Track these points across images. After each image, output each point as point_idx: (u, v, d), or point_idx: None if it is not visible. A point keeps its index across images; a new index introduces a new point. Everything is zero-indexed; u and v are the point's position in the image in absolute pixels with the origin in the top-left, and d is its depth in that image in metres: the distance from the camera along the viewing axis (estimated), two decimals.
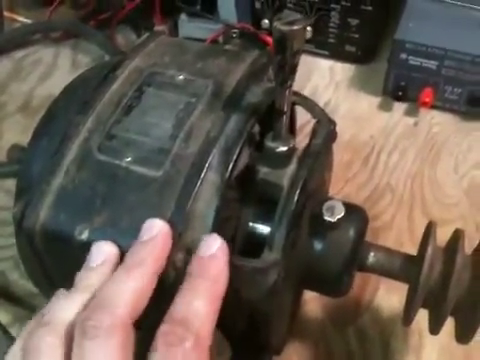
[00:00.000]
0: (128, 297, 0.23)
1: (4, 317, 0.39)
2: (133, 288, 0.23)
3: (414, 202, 0.46)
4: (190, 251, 0.26)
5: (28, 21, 0.64)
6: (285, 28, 0.23)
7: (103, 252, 0.25)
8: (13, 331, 0.37)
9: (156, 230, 0.25)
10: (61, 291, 0.25)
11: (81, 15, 0.63)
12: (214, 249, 0.25)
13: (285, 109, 0.28)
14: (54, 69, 0.60)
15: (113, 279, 0.24)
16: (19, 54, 0.62)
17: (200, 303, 0.23)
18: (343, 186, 0.47)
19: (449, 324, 0.32)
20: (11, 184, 0.48)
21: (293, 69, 0.25)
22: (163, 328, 0.22)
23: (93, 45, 0.60)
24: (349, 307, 0.40)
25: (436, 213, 0.45)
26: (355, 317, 0.40)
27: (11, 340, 0.36)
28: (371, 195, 0.47)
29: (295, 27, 0.23)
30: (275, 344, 0.33)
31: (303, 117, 0.38)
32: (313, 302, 0.40)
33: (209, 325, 0.23)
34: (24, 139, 0.42)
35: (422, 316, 0.33)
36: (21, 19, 0.65)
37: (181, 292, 0.24)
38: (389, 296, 0.41)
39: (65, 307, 0.24)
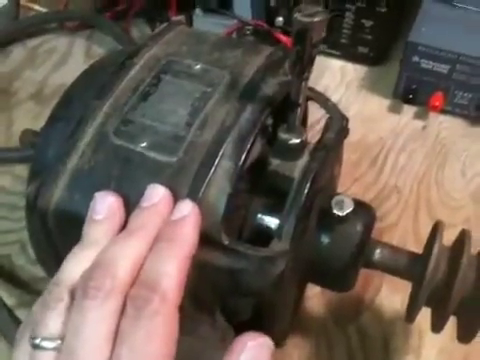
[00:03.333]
0: (130, 261, 0.24)
1: (9, 301, 0.39)
2: (135, 252, 0.24)
3: (420, 204, 0.46)
4: (201, 237, 0.27)
5: (43, 10, 0.65)
6: (306, 19, 0.24)
7: (107, 203, 0.26)
8: (18, 314, 0.37)
9: (158, 196, 0.26)
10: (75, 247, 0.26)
11: (97, 6, 0.63)
12: (182, 213, 0.25)
13: (300, 101, 0.28)
14: (68, 58, 0.61)
15: (116, 241, 0.25)
16: (34, 42, 0.62)
17: (166, 265, 0.24)
18: (350, 186, 0.47)
19: (449, 324, 0.32)
20: (20, 169, 0.49)
21: (311, 61, 0.26)
22: (130, 292, 0.23)
23: (108, 36, 0.61)
24: (351, 305, 0.41)
25: (442, 216, 0.45)
26: (357, 315, 0.40)
27: (17, 322, 0.36)
28: (378, 195, 0.47)
29: (316, 19, 0.24)
30: (277, 336, 0.33)
31: (313, 115, 0.38)
32: (316, 298, 0.41)
33: (176, 285, 0.23)
34: (35, 126, 0.43)
35: (423, 316, 0.33)
36: (37, 8, 0.65)
37: (148, 256, 0.24)
38: (391, 296, 0.41)
39: (73, 267, 0.25)
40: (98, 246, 0.25)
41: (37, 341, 0.23)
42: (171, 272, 0.23)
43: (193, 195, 0.26)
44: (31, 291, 0.41)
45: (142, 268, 0.24)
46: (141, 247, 0.24)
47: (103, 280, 0.23)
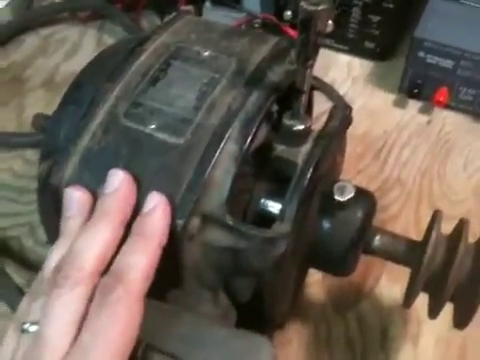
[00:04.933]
0: (95, 250, 0.25)
1: (19, 280, 0.40)
2: (100, 240, 0.25)
3: (422, 197, 0.47)
4: (206, 218, 0.28)
5: (56, 0, 0.66)
6: (311, 8, 0.25)
7: (75, 200, 0.28)
8: None
9: (118, 181, 0.27)
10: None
11: None
12: (150, 207, 0.26)
13: (305, 88, 0.29)
14: (79, 48, 0.62)
15: (82, 231, 0.26)
16: (46, 31, 0.63)
17: (134, 257, 0.25)
18: (355, 176, 0.48)
19: (447, 315, 0.33)
20: (30, 154, 0.51)
21: (315, 49, 0.27)
22: (101, 280, 0.25)
23: (118, 27, 0.62)
24: (351, 293, 0.42)
25: (443, 208, 0.44)
26: (356, 303, 0.41)
27: None
28: (381, 187, 0.48)
29: (320, 7, 0.25)
30: (278, 317, 0.34)
31: (320, 108, 0.39)
32: (316, 285, 0.42)
33: (142, 276, 0.25)
34: (46, 112, 0.44)
35: (421, 305, 0.34)
36: None
37: (121, 249, 0.26)
38: (391, 285, 0.42)
39: (53, 262, 0.26)
40: (73, 235, 0.27)
41: (25, 326, 0.25)
42: (138, 264, 0.25)
43: (199, 175, 0.27)
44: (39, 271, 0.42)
45: (114, 260, 0.25)
46: (106, 233, 0.26)
47: (71, 270, 0.25)
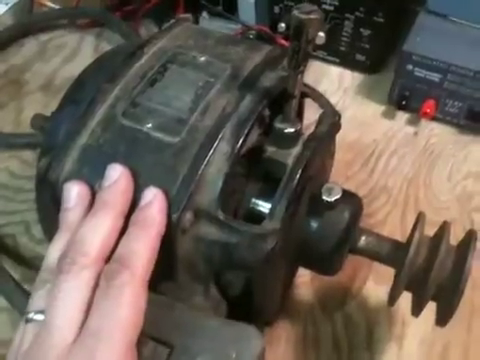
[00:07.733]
0: (99, 237, 0.26)
1: (14, 276, 0.41)
2: (102, 228, 0.27)
3: (408, 204, 0.48)
4: (198, 213, 0.29)
5: (56, 6, 0.67)
6: (303, 16, 0.26)
7: (74, 193, 0.29)
8: None
9: (116, 174, 0.28)
10: None
11: (107, 5, 0.66)
12: (148, 199, 0.28)
13: (296, 93, 0.30)
14: (77, 54, 0.63)
15: (84, 221, 0.27)
16: (45, 37, 0.65)
17: (137, 244, 0.26)
18: (343, 183, 0.49)
19: (430, 317, 0.34)
20: (27, 155, 0.52)
21: (306, 55, 0.28)
22: (106, 266, 0.25)
23: (116, 35, 0.63)
24: (338, 294, 0.43)
25: (428, 215, 0.46)
26: (343, 304, 0.42)
27: (22, 291, 0.38)
28: (368, 194, 0.49)
29: (312, 16, 0.26)
30: (266, 314, 0.35)
31: (310, 118, 0.41)
32: (305, 286, 0.43)
33: (144, 262, 0.26)
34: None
35: (405, 307, 0.35)
36: (49, 4, 0.68)
37: (122, 239, 0.27)
38: (377, 287, 0.43)
39: (54, 252, 0.27)
40: (72, 227, 0.28)
41: (30, 316, 0.25)
42: (141, 251, 0.26)
43: (193, 173, 0.28)
44: (34, 268, 0.43)
45: (116, 249, 0.26)
46: (107, 223, 0.27)
47: (77, 256, 0.25)
